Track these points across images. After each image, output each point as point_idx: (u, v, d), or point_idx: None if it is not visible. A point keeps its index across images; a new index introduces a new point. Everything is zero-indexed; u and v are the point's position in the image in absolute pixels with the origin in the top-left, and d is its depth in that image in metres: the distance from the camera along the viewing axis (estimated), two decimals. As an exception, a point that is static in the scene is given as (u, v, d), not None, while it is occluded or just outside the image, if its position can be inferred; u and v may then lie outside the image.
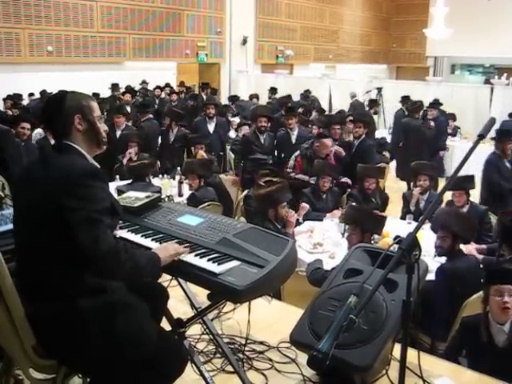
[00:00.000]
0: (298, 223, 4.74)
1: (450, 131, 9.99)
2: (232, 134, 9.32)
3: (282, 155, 6.92)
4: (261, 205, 4.32)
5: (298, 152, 6.29)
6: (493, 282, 2.83)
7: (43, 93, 10.64)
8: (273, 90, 13.05)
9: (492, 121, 1.93)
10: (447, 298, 3.48)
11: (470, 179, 4.92)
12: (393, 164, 8.91)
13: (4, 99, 10.00)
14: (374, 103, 11.43)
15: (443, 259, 3.82)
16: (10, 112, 9.06)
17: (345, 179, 6.14)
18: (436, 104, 9.18)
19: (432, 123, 8.48)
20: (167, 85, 13.01)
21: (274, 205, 4.19)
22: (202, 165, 5.65)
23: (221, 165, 7.76)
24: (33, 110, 9.02)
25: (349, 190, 5.96)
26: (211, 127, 7.84)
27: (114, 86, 11.78)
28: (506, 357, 2.75)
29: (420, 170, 5.46)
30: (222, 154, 7.85)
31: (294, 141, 6.81)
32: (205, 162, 5.83)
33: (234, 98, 12.58)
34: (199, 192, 5.40)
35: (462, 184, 4.77)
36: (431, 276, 3.58)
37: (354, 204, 4.91)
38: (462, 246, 3.82)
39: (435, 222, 4.03)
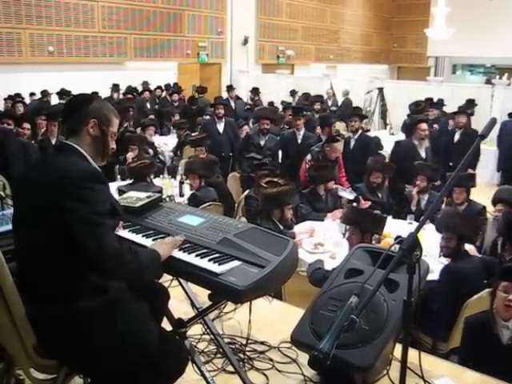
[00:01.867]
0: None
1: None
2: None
3: (286, 155, 6.95)
4: (267, 204, 4.32)
5: (309, 156, 6.30)
6: (507, 279, 2.82)
7: (44, 92, 10.67)
8: (255, 91, 12.98)
9: (493, 121, 1.93)
10: (450, 298, 3.47)
11: (470, 177, 4.94)
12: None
13: (5, 99, 10.00)
14: (471, 104, 9.35)
15: (446, 260, 3.83)
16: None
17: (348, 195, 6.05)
18: (437, 104, 9.15)
19: (435, 126, 8.45)
20: (167, 86, 12.99)
21: (281, 206, 4.22)
22: (204, 165, 5.64)
23: (229, 165, 7.74)
24: (33, 110, 9.07)
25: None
26: (220, 128, 7.80)
27: (115, 87, 11.80)
28: (509, 353, 2.75)
29: (418, 170, 5.48)
30: (231, 154, 7.83)
31: (299, 141, 6.84)
32: (206, 163, 5.81)
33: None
34: (200, 192, 5.40)
35: (463, 181, 4.80)
36: (433, 276, 3.58)
37: (353, 205, 4.91)
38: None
39: (440, 222, 4.03)
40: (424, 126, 6.22)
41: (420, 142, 6.24)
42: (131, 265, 1.88)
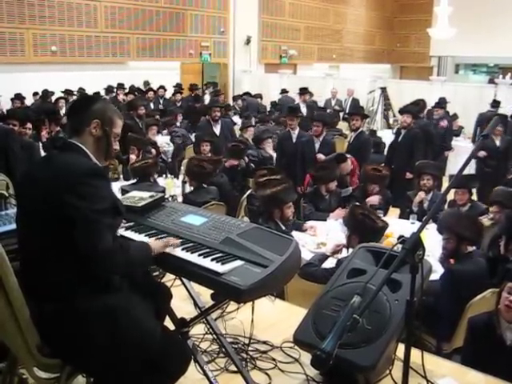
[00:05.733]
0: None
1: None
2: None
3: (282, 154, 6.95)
4: (266, 205, 4.31)
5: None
6: None
7: (45, 92, 10.68)
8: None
9: (497, 121, 1.93)
10: (452, 300, 3.45)
11: (473, 178, 4.93)
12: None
13: (12, 99, 10.02)
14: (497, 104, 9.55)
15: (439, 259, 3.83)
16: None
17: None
18: (442, 103, 9.14)
19: (445, 123, 8.44)
20: (178, 85, 12.99)
21: (280, 205, 4.20)
22: (198, 169, 5.27)
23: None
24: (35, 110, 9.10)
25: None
26: (217, 130, 7.73)
27: (119, 86, 11.82)
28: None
29: (424, 169, 5.44)
30: None
31: (294, 139, 6.88)
32: (202, 166, 5.34)
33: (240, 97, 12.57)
34: (193, 194, 5.21)
35: (465, 182, 4.78)
36: (435, 276, 3.56)
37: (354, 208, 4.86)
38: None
39: (440, 223, 4.00)
40: None
41: None
42: (122, 264, 1.90)
